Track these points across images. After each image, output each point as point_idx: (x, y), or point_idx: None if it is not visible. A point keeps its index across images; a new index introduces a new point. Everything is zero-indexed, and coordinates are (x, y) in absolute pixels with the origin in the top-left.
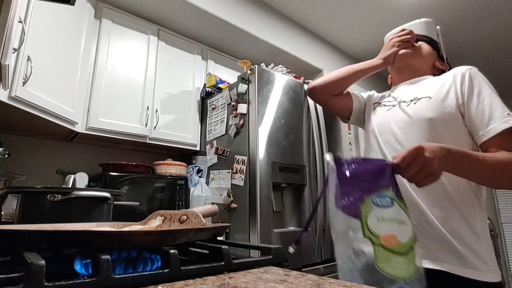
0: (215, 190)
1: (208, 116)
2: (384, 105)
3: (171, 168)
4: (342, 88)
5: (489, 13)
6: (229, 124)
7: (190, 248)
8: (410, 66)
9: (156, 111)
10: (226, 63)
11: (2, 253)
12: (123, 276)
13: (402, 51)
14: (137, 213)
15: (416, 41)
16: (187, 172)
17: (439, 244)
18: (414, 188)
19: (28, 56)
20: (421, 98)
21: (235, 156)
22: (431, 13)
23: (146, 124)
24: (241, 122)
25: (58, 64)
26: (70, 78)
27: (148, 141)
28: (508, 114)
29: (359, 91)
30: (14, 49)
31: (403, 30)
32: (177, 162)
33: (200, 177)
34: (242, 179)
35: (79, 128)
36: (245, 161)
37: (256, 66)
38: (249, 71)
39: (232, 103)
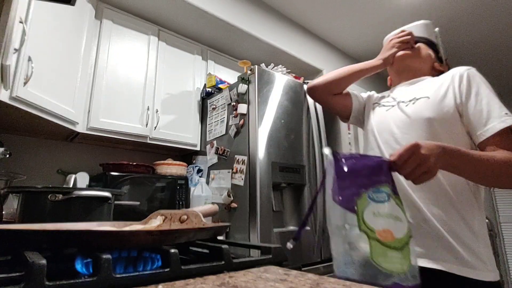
0: (215, 190)
1: (208, 116)
2: (384, 106)
3: (171, 168)
4: (342, 88)
5: (488, 13)
6: (229, 124)
7: (190, 248)
8: (410, 68)
9: (157, 111)
10: (226, 63)
11: (3, 252)
12: (123, 275)
13: (400, 52)
14: (137, 213)
15: (415, 43)
16: (187, 172)
17: (437, 243)
18: (412, 187)
19: (29, 57)
20: (419, 98)
21: (235, 156)
22: (430, 13)
23: (147, 124)
24: (241, 122)
25: (58, 64)
26: (70, 78)
27: (148, 141)
28: (506, 113)
29: (359, 91)
30: (15, 49)
31: (403, 31)
32: (178, 162)
33: (200, 177)
34: (242, 179)
35: (80, 128)
36: (245, 161)
37: (256, 66)
38: (249, 71)
39: (232, 103)
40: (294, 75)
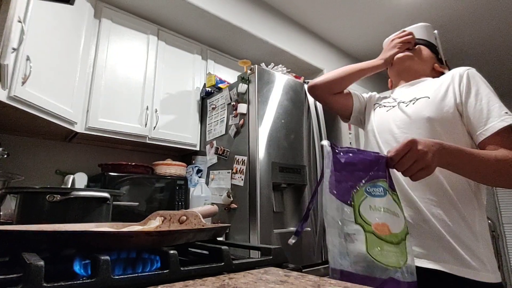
0: (215, 191)
1: (208, 116)
2: (384, 106)
3: (170, 168)
4: (342, 87)
5: (488, 13)
6: (229, 124)
7: (189, 249)
8: (410, 69)
9: (156, 111)
10: (226, 63)
11: (1, 253)
12: (122, 276)
13: (401, 54)
14: (136, 214)
15: (415, 45)
16: (186, 172)
17: (437, 243)
18: (411, 186)
19: (27, 56)
20: (419, 98)
21: (235, 156)
22: (430, 13)
23: (146, 124)
24: (241, 122)
25: (57, 63)
26: (69, 78)
27: (147, 141)
28: (506, 112)
29: (359, 91)
30: (13, 48)
31: (404, 31)
32: (177, 162)
33: (200, 177)
34: (242, 179)
35: (78, 128)
36: (245, 161)
37: (256, 66)
38: (249, 71)
39: (232, 103)
40: (294, 74)
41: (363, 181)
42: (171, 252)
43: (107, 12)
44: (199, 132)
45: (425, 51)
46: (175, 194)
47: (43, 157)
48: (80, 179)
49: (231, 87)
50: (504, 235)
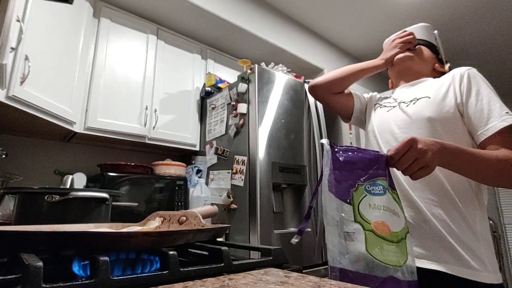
0: (214, 191)
1: (207, 116)
2: (385, 106)
3: (170, 168)
4: (343, 87)
5: (489, 12)
6: (229, 124)
7: (189, 250)
8: (411, 70)
9: (155, 111)
10: (226, 63)
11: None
12: (121, 277)
13: (400, 55)
14: (135, 214)
15: (415, 45)
16: (186, 173)
17: (438, 243)
18: (412, 186)
19: (26, 55)
20: (420, 98)
21: (235, 156)
22: (431, 12)
23: (145, 124)
24: (241, 122)
25: (56, 63)
26: (68, 78)
27: (147, 141)
28: (507, 112)
29: (360, 91)
30: (11, 48)
31: (405, 31)
32: (176, 163)
33: (199, 177)
34: (242, 180)
35: (77, 128)
36: (245, 162)
37: (256, 65)
38: (249, 71)
39: (232, 103)
40: (294, 74)
41: (363, 180)
42: (171, 252)
43: (106, 11)
44: (198, 132)
45: (425, 51)
46: (175, 195)
47: (41, 157)
48: (79, 179)
49: (231, 86)
50: (506, 236)
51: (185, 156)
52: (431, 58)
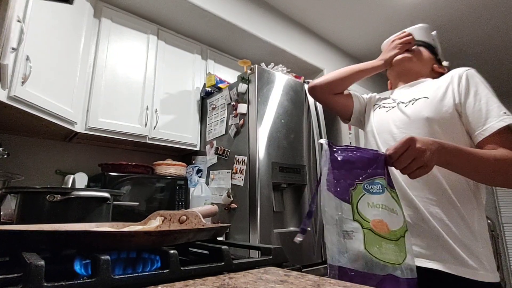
0: (215, 190)
1: (208, 116)
2: (384, 107)
3: (170, 168)
4: (343, 88)
5: (488, 13)
6: (229, 124)
7: (190, 249)
8: (410, 71)
9: (156, 111)
10: (226, 63)
11: (1, 253)
12: (122, 276)
13: (399, 56)
14: (136, 214)
15: (414, 46)
16: (186, 172)
17: (436, 242)
18: (410, 186)
19: (27, 56)
20: (418, 98)
21: (235, 156)
22: (430, 13)
23: (146, 124)
24: (241, 122)
25: (57, 63)
26: (69, 78)
27: (147, 141)
28: (505, 113)
29: (360, 91)
30: (13, 48)
31: (404, 32)
32: (177, 162)
33: (200, 177)
34: (242, 179)
35: (79, 128)
36: (245, 161)
37: (256, 65)
38: (249, 71)
39: (232, 103)
40: (294, 74)
41: (361, 179)
42: (171, 251)
43: (107, 11)
44: (199, 132)
45: (424, 52)
46: (175, 194)
47: (43, 157)
48: (80, 179)
49: (231, 87)
50: (504, 235)
51: (186, 156)
52: (430, 59)
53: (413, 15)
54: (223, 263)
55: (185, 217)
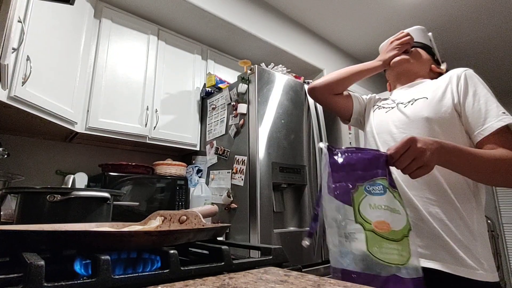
0: (215, 190)
1: (208, 116)
2: (383, 107)
3: (171, 168)
4: (342, 88)
5: (487, 13)
6: (229, 124)
7: (190, 249)
8: (408, 71)
9: (156, 111)
10: (226, 63)
11: (1, 253)
12: (122, 276)
13: (397, 58)
14: (136, 214)
15: (412, 47)
16: (187, 172)
17: (435, 242)
18: (409, 186)
19: (28, 56)
20: (418, 99)
21: (235, 156)
22: (430, 13)
23: (146, 124)
24: (241, 122)
25: (57, 63)
26: (69, 78)
27: (147, 141)
28: (504, 112)
29: (359, 91)
30: (13, 48)
31: (402, 32)
32: (177, 162)
33: (200, 177)
34: (242, 179)
35: (79, 128)
36: (245, 161)
37: (256, 66)
38: (249, 71)
39: (232, 103)
40: (294, 74)
41: (362, 180)
42: (172, 251)
43: (107, 12)
44: (199, 132)
45: (422, 53)
46: (175, 194)
47: (43, 157)
48: (81, 179)
49: (231, 87)
50: (504, 235)
51: (186, 156)
52: (428, 59)
53: (413, 15)
54: (223, 263)
55: (185, 217)
